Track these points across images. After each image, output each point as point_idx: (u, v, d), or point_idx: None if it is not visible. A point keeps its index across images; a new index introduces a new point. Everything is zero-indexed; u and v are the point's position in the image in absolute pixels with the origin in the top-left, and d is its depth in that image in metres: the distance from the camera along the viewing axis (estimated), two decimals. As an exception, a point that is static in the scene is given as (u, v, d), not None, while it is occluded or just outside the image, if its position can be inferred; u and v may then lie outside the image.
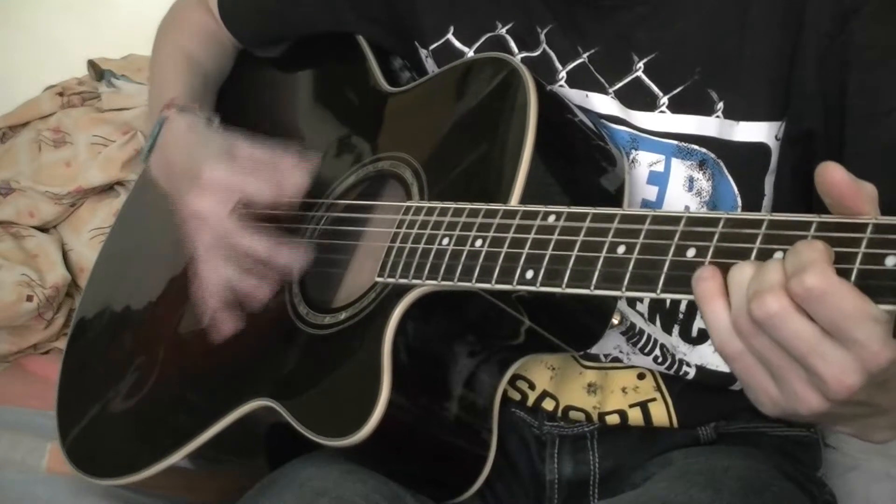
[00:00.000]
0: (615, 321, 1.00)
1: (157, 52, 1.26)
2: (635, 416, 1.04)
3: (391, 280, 0.89)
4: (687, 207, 0.95)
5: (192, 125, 1.08)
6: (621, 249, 0.72)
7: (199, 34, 1.24)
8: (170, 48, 1.24)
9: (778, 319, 0.60)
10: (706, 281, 0.65)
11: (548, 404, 1.06)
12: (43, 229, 1.65)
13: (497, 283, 0.80)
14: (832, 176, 0.61)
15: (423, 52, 1.09)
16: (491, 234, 0.82)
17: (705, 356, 1.02)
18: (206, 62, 1.23)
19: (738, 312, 0.63)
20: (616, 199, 0.94)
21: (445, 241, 0.86)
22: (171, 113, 1.10)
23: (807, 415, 0.63)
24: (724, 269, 0.65)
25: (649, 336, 1.02)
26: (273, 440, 1.03)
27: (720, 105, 0.93)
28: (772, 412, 0.66)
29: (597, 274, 0.73)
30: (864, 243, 0.60)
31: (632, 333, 1.01)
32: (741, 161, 0.94)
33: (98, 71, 1.71)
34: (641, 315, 1.01)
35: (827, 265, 0.59)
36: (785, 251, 0.62)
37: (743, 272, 0.63)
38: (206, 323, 1.02)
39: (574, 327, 0.98)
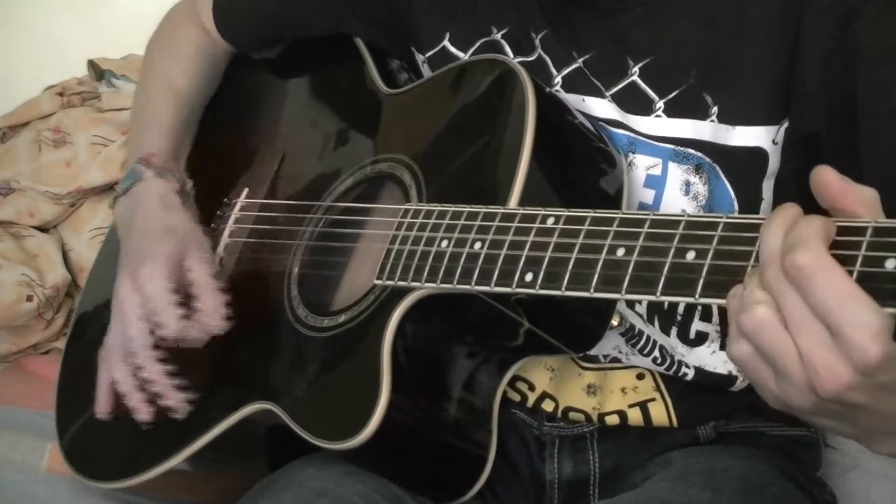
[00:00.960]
0: (614, 322, 1.00)
1: (144, 77, 1.26)
2: (635, 417, 1.04)
3: (390, 282, 0.89)
4: (684, 211, 0.95)
5: (164, 196, 1.08)
6: (621, 252, 0.72)
7: (187, 56, 1.23)
8: (157, 77, 1.23)
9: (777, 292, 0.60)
10: None
11: (547, 405, 1.06)
12: (43, 229, 1.65)
13: (496, 285, 0.80)
14: (823, 177, 0.62)
15: (419, 58, 1.09)
16: (490, 236, 0.82)
17: (703, 358, 1.02)
18: (193, 92, 1.23)
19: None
20: (615, 201, 0.94)
21: (444, 243, 0.86)
22: (148, 174, 1.10)
23: (806, 408, 0.63)
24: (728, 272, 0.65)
25: (648, 337, 1.02)
26: (272, 443, 1.03)
27: (714, 109, 0.93)
28: (775, 406, 0.66)
29: (596, 276, 0.73)
30: (864, 246, 0.60)
31: (631, 334, 1.01)
32: (737, 165, 0.94)
33: (98, 71, 1.71)
34: (640, 316, 1.01)
35: (821, 242, 0.59)
36: None
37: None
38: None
39: (573, 329, 0.97)
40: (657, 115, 0.95)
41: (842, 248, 0.60)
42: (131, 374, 0.99)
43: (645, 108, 0.95)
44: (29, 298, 1.52)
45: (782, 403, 0.64)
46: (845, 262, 0.60)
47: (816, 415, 0.64)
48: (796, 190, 0.94)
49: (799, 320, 0.60)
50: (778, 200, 0.95)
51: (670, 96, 0.94)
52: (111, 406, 1.02)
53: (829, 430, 0.67)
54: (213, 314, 0.97)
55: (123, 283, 1.00)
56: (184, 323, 0.96)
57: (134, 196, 1.09)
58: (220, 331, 0.97)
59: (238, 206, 1.15)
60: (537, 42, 1.00)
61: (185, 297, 0.99)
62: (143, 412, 0.99)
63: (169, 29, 1.27)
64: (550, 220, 0.78)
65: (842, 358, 0.59)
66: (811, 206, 0.63)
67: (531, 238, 0.79)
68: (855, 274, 0.59)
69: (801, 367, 0.61)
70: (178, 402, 0.97)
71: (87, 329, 1.25)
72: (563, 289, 0.75)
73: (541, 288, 0.77)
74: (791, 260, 0.59)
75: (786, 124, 0.92)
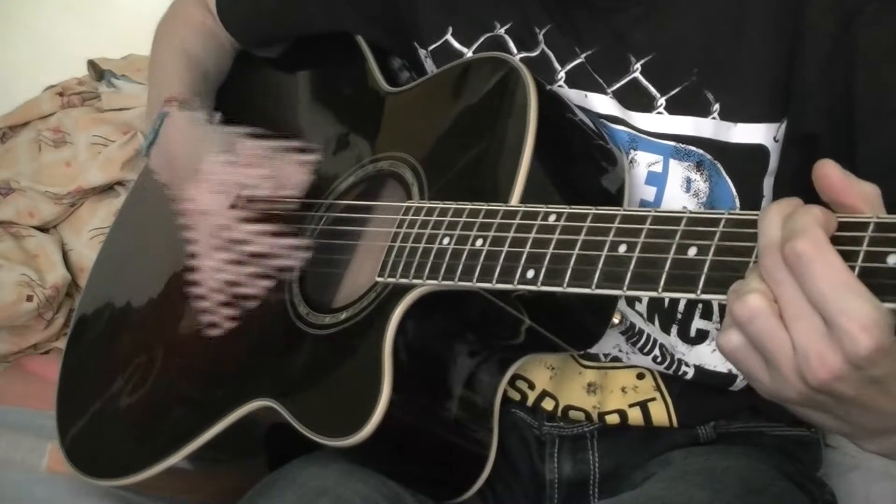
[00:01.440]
0: (615, 320, 1.00)
1: (156, 49, 1.26)
2: (635, 416, 1.04)
3: (391, 280, 0.89)
4: (685, 208, 0.95)
5: (193, 120, 1.08)
6: (622, 248, 0.72)
7: (198, 32, 1.24)
8: (169, 46, 1.24)
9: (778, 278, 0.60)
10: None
11: (547, 404, 1.06)
12: (43, 229, 1.65)
13: (498, 282, 0.80)
14: (825, 171, 0.62)
15: (422, 53, 1.09)
16: (491, 233, 0.82)
17: (703, 356, 1.02)
18: (205, 60, 1.23)
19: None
20: (616, 198, 0.94)
21: (446, 240, 0.86)
22: (173, 108, 1.10)
23: (794, 398, 0.63)
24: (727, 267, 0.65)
25: (649, 336, 1.02)
26: (273, 440, 1.03)
27: (716, 106, 0.93)
28: (767, 396, 0.65)
29: (598, 273, 0.73)
30: (865, 241, 0.60)
31: (631, 333, 1.01)
32: (739, 163, 0.94)
33: (98, 71, 1.71)
34: (641, 315, 1.01)
35: (820, 230, 0.59)
36: None
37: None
38: (203, 319, 1.02)
39: (574, 327, 0.97)
40: (658, 112, 0.95)
41: (843, 243, 0.60)
42: (232, 258, 0.98)
43: (646, 105, 0.96)
44: (29, 298, 1.52)
45: (773, 394, 0.64)
46: (847, 257, 0.60)
47: (806, 406, 0.64)
48: (794, 188, 0.93)
49: (794, 309, 0.60)
50: (777, 198, 0.95)
51: (672, 93, 0.94)
52: (230, 312, 1.01)
53: (819, 425, 0.67)
54: (296, 168, 0.98)
55: (190, 190, 0.99)
56: (275, 178, 0.97)
57: (165, 134, 1.09)
58: (308, 182, 0.98)
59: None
60: (540, 37, 1.00)
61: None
62: (258, 285, 0.99)
63: (179, 12, 1.28)
64: (552, 217, 0.79)
65: (834, 347, 0.59)
66: (811, 202, 0.64)
67: (533, 235, 0.79)
68: (857, 269, 0.59)
69: (793, 357, 0.61)
70: (292, 254, 0.97)
71: (88, 329, 1.25)
72: (565, 285, 0.75)
73: (542, 285, 0.77)
74: (791, 247, 0.59)
75: (786, 122, 0.92)
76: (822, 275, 0.59)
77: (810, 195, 0.63)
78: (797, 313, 0.60)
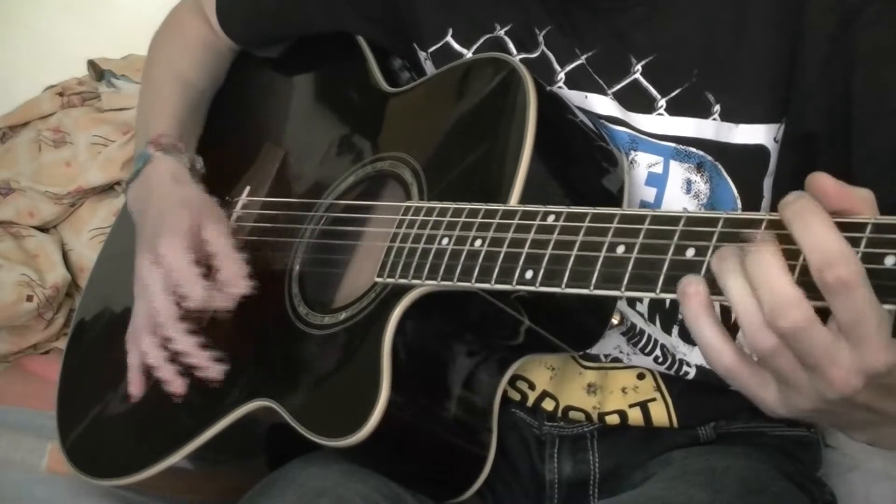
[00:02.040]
0: (615, 321, 1.00)
1: (149, 68, 1.27)
2: (635, 416, 1.04)
3: (391, 280, 0.89)
4: (685, 209, 0.95)
5: (175, 173, 1.09)
6: (621, 249, 0.72)
7: (193, 49, 1.24)
8: (163, 68, 1.24)
9: (802, 330, 0.60)
10: (692, 298, 0.64)
11: (548, 404, 1.06)
12: (43, 229, 1.65)
13: (496, 283, 0.80)
14: (820, 184, 0.62)
15: (421, 55, 1.09)
16: (490, 234, 0.82)
17: (704, 356, 1.02)
18: (199, 82, 1.24)
19: (752, 327, 0.62)
20: (616, 199, 0.94)
21: (445, 241, 0.86)
22: (157, 153, 1.10)
23: (802, 410, 0.63)
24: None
25: (649, 336, 1.02)
26: (273, 441, 1.03)
27: (717, 108, 0.93)
28: (771, 414, 0.66)
29: (596, 274, 0.73)
30: (863, 243, 0.60)
31: (632, 333, 1.01)
32: (740, 164, 0.94)
33: (98, 71, 1.71)
34: (641, 315, 1.01)
35: (854, 252, 0.59)
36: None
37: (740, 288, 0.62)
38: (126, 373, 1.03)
39: (574, 327, 0.97)
40: (659, 114, 0.95)
41: (841, 243, 0.60)
42: (162, 348, 0.99)
43: (647, 107, 0.95)
44: (29, 298, 1.52)
45: (781, 406, 0.65)
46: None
47: (810, 413, 0.65)
48: (793, 189, 0.93)
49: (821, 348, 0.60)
50: (776, 198, 0.95)
51: (672, 94, 0.94)
52: (144, 386, 1.02)
53: (812, 421, 0.68)
54: (235, 278, 0.97)
55: (143, 261, 1.00)
56: (208, 290, 0.96)
57: (145, 177, 1.09)
58: (244, 295, 0.97)
59: (240, 205, 1.15)
60: (541, 38, 1.00)
61: (206, 268, 0.99)
62: (177, 386, 0.99)
63: (174, 23, 1.28)
64: (551, 218, 0.79)
65: (860, 367, 0.60)
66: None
67: (531, 235, 0.79)
68: None
69: (809, 377, 0.61)
70: (212, 368, 0.97)
71: (88, 329, 1.25)
72: (564, 286, 0.75)
73: (541, 285, 0.77)
74: (834, 273, 0.58)
75: (785, 122, 0.92)
76: (864, 296, 0.58)
77: None
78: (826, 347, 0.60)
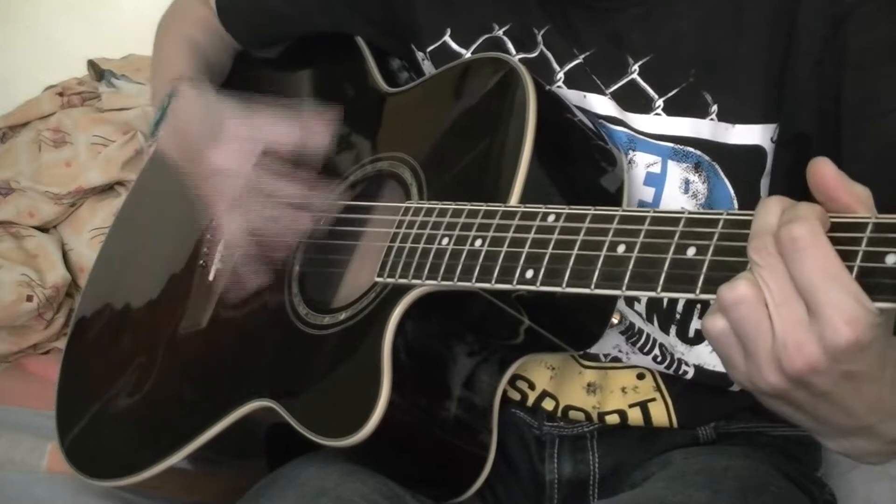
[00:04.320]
0: (614, 321, 1.00)
1: (159, 43, 1.26)
2: (635, 416, 1.04)
3: (391, 280, 0.89)
4: (683, 209, 0.95)
5: (204, 95, 1.08)
6: (621, 248, 0.72)
7: (202, 25, 1.24)
8: (173, 35, 1.24)
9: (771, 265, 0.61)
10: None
11: (547, 404, 1.06)
12: (43, 229, 1.65)
13: (497, 282, 0.80)
14: (820, 169, 0.62)
15: (419, 55, 1.09)
16: (490, 233, 0.82)
17: (702, 356, 1.02)
18: (208, 50, 1.23)
19: None
20: (615, 199, 0.94)
21: (445, 240, 0.86)
22: (182, 85, 1.09)
23: (767, 389, 0.63)
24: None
25: (648, 335, 1.02)
26: (273, 441, 1.03)
27: (714, 108, 0.93)
28: (742, 385, 0.66)
29: (597, 273, 0.73)
30: (864, 241, 0.60)
31: (631, 333, 1.01)
32: (737, 164, 0.94)
33: (98, 71, 1.71)
34: (640, 315, 1.01)
35: (817, 222, 0.60)
36: None
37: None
38: (231, 282, 1.02)
39: (574, 327, 0.98)
40: (657, 114, 0.95)
41: (842, 243, 0.60)
42: (262, 212, 0.98)
43: (644, 107, 0.96)
44: (29, 298, 1.52)
45: (747, 383, 0.64)
46: (846, 257, 0.60)
47: (778, 398, 0.64)
48: (788, 188, 0.94)
49: (780, 295, 0.60)
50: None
51: (670, 95, 0.94)
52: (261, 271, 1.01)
53: (787, 419, 0.67)
54: (318, 123, 0.98)
55: (212, 156, 0.99)
56: (298, 130, 0.97)
57: (175, 110, 1.08)
58: (332, 137, 0.98)
59: (239, 205, 1.15)
60: (539, 38, 1.00)
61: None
62: (290, 237, 0.99)
63: (181, 9, 1.28)
64: (551, 218, 0.79)
65: (814, 338, 0.59)
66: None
67: (532, 235, 0.79)
68: (855, 269, 0.59)
69: (772, 345, 0.61)
70: (324, 203, 0.98)
71: (88, 329, 1.25)
72: (564, 285, 0.75)
73: (541, 285, 0.77)
74: (788, 230, 0.60)
75: (779, 123, 0.92)
76: (815, 262, 0.59)
77: (803, 195, 0.63)
78: (782, 300, 0.60)
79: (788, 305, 0.60)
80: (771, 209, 0.63)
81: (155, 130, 1.10)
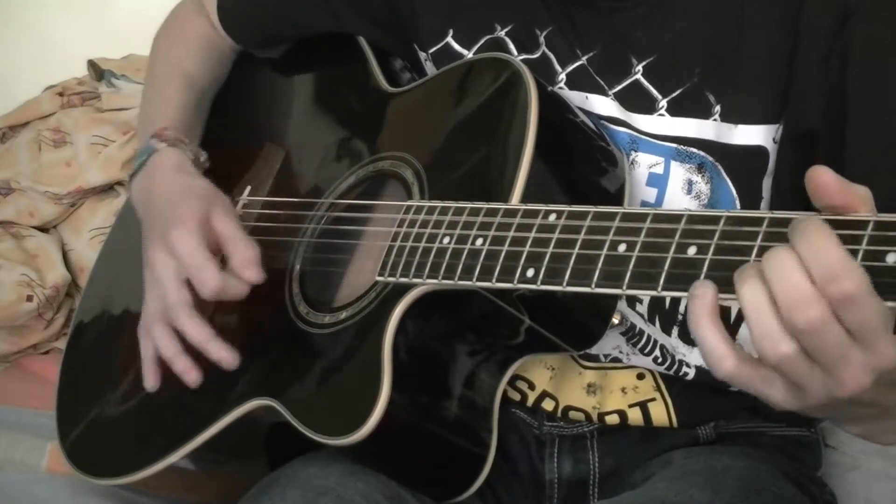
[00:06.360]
0: (615, 321, 1.00)
1: (153, 64, 1.26)
2: (635, 416, 1.04)
3: (392, 279, 0.89)
4: (686, 209, 0.95)
5: (180, 165, 1.08)
6: (622, 248, 0.72)
7: (196, 46, 1.24)
8: (166, 64, 1.24)
9: (818, 328, 0.60)
10: (696, 299, 0.64)
11: (547, 404, 1.06)
12: (43, 229, 1.65)
13: (498, 281, 0.80)
14: (820, 179, 0.62)
15: (422, 55, 1.09)
16: (492, 232, 0.82)
17: (704, 357, 1.02)
18: (202, 78, 1.23)
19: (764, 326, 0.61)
20: (616, 199, 0.94)
21: (446, 240, 0.86)
22: (162, 145, 1.10)
23: (813, 410, 0.64)
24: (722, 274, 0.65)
25: (649, 336, 1.02)
26: (273, 440, 1.03)
27: (717, 108, 0.93)
28: (780, 409, 0.66)
29: (598, 272, 0.73)
30: (865, 241, 0.60)
31: (631, 334, 1.02)
32: (739, 164, 0.94)
33: (98, 71, 1.71)
34: (641, 316, 1.01)
35: (857, 266, 0.59)
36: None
37: (755, 291, 0.62)
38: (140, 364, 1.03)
39: (574, 327, 0.98)
40: (660, 114, 0.95)
41: (843, 242, 0.60)
42: (175, 337, 0.99)
43: (648, 107, 0.95)
44: (29, 298, 1.52)
45: (788, 403, 0.65)
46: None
47: (818, 411, 0.65)
48: (791, 187, 0.94)
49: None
50: (775, 198, 0.95)
51: (673, 95, 0.94)
52: (159, 378, 1.02)
53: (807, 414, 0.67)
54: (248, 264, 0.97)
55: (154, 251, 0.99)
56: (222, 276, 0.96)
57: (150, 169, 1.09)
58: (258, 280, 0.97)
59: (241, 204, 1.15)
60: (541, 39, 1.00)
61: (216, 255, 0.98)
62: (192, 375, 0.99)
63: (177, 22, 1.28)
64: (552, 217, 0.79)
65: (869, 366, 0.60)
66: (806, 203, 0.64)
67: (533, 234, 0.79)
68: None
69: (822, 378, 0.61)
70: (227, 355, 0.97)
71: (88, 329, 1.25)
72: (565, 284, 0.75)
73: (542, 284, 0.77)
74: (839, 287, 0.59)
75: (784, 122, 0.92)
76: (869, 310, 0.59)
77: (805, 195, 0.63)
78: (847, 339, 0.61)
79: (851, 351, 0.60)
80: (787, 263, 0.61)
81: (130, 181, 1.12)
